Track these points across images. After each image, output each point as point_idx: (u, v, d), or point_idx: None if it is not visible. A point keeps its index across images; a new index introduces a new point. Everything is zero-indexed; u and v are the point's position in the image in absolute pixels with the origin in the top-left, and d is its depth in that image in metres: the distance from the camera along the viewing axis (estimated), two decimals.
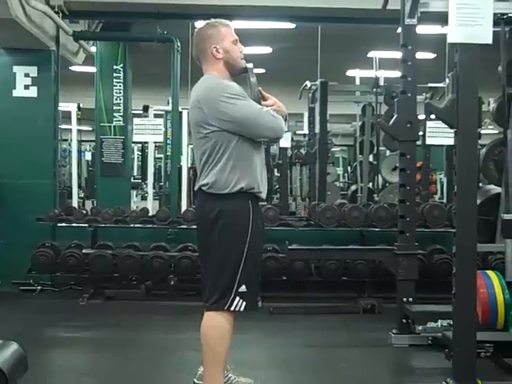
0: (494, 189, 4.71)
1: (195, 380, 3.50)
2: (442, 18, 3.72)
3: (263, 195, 3.29)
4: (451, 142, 3.63)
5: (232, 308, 3.13)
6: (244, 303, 3.13)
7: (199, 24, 8.00)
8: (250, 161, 3.22)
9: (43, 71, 6.85)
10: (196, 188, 3.32)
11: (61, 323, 5.39)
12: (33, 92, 6.84)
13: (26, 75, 6.82)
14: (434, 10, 4.54)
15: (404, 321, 4.66)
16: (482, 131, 10.08)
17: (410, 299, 4.70)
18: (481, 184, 6.48)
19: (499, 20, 4.39)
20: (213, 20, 3.38)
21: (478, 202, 4.50)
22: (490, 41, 3.49)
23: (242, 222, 3.16)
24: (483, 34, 3.48)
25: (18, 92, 6.83)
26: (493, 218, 4.60)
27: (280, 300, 5.96)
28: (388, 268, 4.96)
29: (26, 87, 6.83)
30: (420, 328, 4.57)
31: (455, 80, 3.56)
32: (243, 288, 3.13)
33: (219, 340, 3.16)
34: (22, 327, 5.02)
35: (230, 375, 3.55)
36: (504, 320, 4.30)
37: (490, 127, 9.94)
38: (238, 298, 3.13)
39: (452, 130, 3.58)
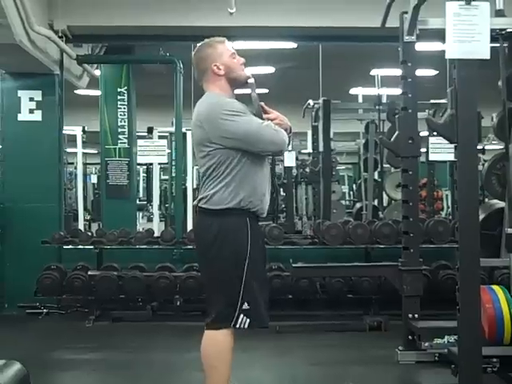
0: (498, 203, 4.69)
1: None
2: (441, 35, 3.73)
3: (262, 212, 3.26)
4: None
5: (237, 325, 3.11)
6: (248, 320, 3.11)
7: None
8: (252, 177, 3.21)
9: (48, 95, 6.93)
10: (195, 202, 3.31)
11: (67, 345, 5.39)
12: (37, 116, 6.92)
13: (31, 99, 6.90)
14: (433, 27, 4.56)
15: (410, 337, 4.64)
16: (487, 147, 10.12)
17: (416, 315, 4.68)
18: (486, 199, 6.47)
19: (498, 35, 4.41)
20: (206, 40, 3.40)
21: (482, 216, 4.51)
22: (487, 56, 3.52)
23: (239, 238, 3.14)
24: (481, 49, 3.52)
25: (23, 116, 6.92)
26: (497, 232, 4.58)
27: (286, 319, 5.94)
28: (393, 284, 4.95)
29: (31, 111, 6.91)
30: (426, 344, 4.55)
31: (454, 95, 3.59)
32: (246, 305, 3.11)
33: (220, 358, 3.13)
34: (28, 350, 5.01)
35: None
36: (511, 334, 4.28)
37: (494, 142, 9.96)
38: (242, 316, 3.11)
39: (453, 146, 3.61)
